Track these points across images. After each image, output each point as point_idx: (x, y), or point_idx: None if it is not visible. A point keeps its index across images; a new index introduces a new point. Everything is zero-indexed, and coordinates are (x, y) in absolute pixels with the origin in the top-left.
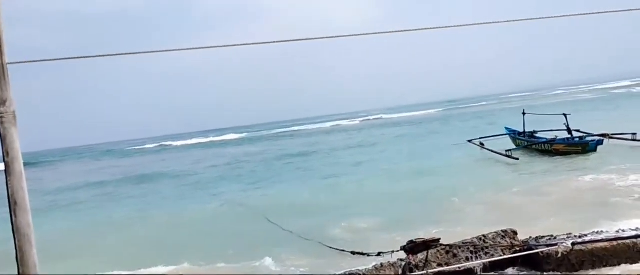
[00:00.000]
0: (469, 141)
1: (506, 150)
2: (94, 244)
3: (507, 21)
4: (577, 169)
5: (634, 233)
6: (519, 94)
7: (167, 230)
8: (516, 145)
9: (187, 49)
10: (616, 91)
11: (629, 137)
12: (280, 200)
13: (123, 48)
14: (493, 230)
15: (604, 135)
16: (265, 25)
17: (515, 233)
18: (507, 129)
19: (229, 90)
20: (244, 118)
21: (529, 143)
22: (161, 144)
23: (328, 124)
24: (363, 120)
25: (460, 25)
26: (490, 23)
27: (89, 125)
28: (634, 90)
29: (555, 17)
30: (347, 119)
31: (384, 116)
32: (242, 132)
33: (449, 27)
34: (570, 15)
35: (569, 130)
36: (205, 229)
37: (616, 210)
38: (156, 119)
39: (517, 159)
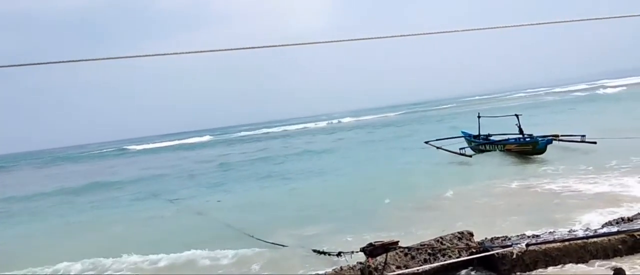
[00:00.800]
0: (427, 142)
1: (460, 148)
2: (42, 250)
3: (490, 28)
4: (528, 169)
5: (584, 234)
6: (480, 97)
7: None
8: (472, 148)
9: (173, 54)
10: (576, 94)
11: (578, 139)
12: (237, 204)
13: (78, 53)
14: (450, 232)
15: (554, 136)
16: (228, 31)
17: (471, 234)
18: (463, 132)
19: (196, 93)
20: (209, 121)
21: (482, 144)
22: (121, 147)
23: (294, 127)
24: (329, 123)
25: (450, 31)
26: (486, 28)
27: (47, 130)
28: (598, 92)
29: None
30: (314, 121)
31: (347, 119)
32: (203, 135)
33: (442, 32)
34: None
35: (521, 131)
36: (156, 237)
37: (567, 210)
38: (117, 122)
39: (471, 156)
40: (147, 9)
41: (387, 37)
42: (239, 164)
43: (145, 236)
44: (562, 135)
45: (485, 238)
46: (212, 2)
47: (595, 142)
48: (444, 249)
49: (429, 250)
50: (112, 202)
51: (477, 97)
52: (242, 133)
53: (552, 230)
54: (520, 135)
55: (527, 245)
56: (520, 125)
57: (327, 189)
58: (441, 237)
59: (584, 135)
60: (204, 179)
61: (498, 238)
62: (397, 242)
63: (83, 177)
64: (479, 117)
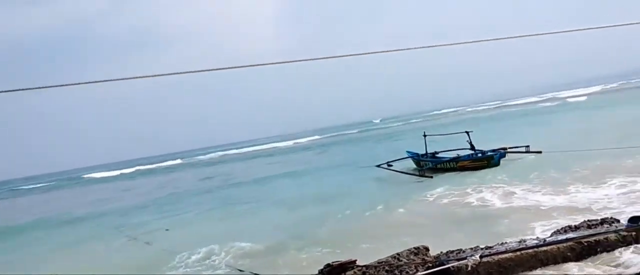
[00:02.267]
0: (378, 166)
1: (418, 170)
2: None
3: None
4: (479, 184)
5: (534, 243)
6: (425, 114)
7: None
8: (421, 167)
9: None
10: (516, 108)
11: (523, 149)
12: (187, 231)
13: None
14: (406, 248)
15: (503, 149)
16: (177, 54)
17: (427, 249)
18: (408, 152)
19: (141, 117)
20: (142, 150)
21: (434, 163)
22: (75, 177)
23: (252, 148)
24: (273, 147)
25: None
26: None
27: None
28: (542, 105)
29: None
30: (254, 145)
31: (284, 144)
32: (132, 166)
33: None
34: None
35: (472, 147)
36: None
37: (517, 221)
38: (68, 151)
39: (431, 177)
40: (87, 35)
41: (338, 56)
42: (190, 190)
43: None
44: (509, 148)
45: (441, 252)
46: (156, 26)
47: (540, 152)
48: (401, 265)
49: (387, 267)
50: (60, 237)
51: (435, 112)
52: (191, 158)
53: (504, 242)
54: (472, 152)
55: (481, 256)
56: (471, 141)
57: (279, 212)
58: (398, 254)
59: (528, 146)
60: (152, 207)
61: (453, 251)
62: (354, 261)
63: (28, 213)
64: (424, 135)
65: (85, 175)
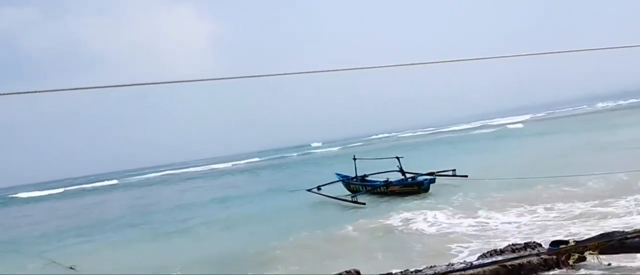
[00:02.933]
0: (309, 190)
1: (351, 196)
2: None
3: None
4: (408, 209)
5: (462, 266)
6: (364, 139)
7: None
8: (351, 191)
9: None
10: (458, 134)
11: (450, 173)
12: (106, 256)
13: None
14: (337, 272)
15: (430, 174)
16: (108, 71)
17: (358, 273)
18: (337, 174)
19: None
20: (77, 169)
21: (364, 187)
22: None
23: (159, 174)
24: (211, 168)
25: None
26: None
27: None
28: (478, 132)
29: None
30: (192, 166)
31: (222, 165)
32: (63, 186)
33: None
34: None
35: (402, 172)
36: None
37: (446, 244)
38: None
39: (364, 204)
40: (13, 52)
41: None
42: (119, 212)
43: None
44: (436, 172)
45: None
46: (85, 45)
47: (466, 176)
48: None
49: None
50: None
51: (373, 137)
52: (128, 179)
53: (432, 265)
54: (403, 177)
55: None
56: (401, 167)
57: (208, 236)
58: None
59: (454, 170)
60: (76, 230)
61: None
62: None
63: None
64: (354, 159)
65: (11, 195)
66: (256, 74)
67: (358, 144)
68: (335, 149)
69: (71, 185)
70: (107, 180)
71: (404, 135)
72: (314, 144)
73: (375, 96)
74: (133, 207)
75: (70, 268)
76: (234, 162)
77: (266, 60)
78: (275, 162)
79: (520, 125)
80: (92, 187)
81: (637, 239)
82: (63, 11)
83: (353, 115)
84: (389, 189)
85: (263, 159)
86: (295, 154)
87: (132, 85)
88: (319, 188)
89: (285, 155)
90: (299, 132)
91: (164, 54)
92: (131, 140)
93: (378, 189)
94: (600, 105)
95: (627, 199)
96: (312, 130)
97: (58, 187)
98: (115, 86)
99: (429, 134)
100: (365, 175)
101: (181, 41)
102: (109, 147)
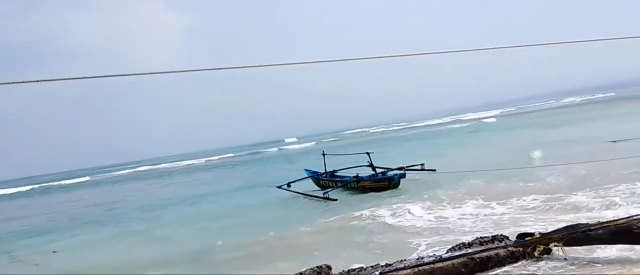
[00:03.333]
0: (279, 187)
1: (324, 192)
2: None
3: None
4: (378, 203)
5: (431, 259)
6: (339, 133)
7: None
8: (321, 187)
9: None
10: (431, 129)
11: (418, 167)
12: (73, 255)
13: None
14: (309, 267)
15: (400, 169)
16: (80, 65)
17: (330, 268)
18: (306, 170)
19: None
20: (48, 166)
21: (334, 182)
22: None
23: (132, 171)
24: (186, 164)
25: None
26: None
27: None
28: (452, 126)
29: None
30: (166, 162)
31: (196, 161)
32: (31, 184)
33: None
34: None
35: (373, 167)
36: None
37: (414, 238)
38: None
39: (336, 199)
40: None
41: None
42: (88, 209)
43: None
44: (405, 167)
45: (343, 270)
46: (54, 39)
47: (434, 170)
48: None
49: None
50: None
51: (347, 132)
52: (100, 175)
53: (402, 259)
54: (373, 172)
55: (381, 274)
56: (371, 162)
57: (176, 234)
58: (301, 272)
59: (423, 164)
60: (42, 228)
61: (355, 269)
62: None
63: None
64: (323, 155)
65: None
66: (231, 66)
67: (332, 139)
68: (310, 144)
69: (39, 183)
70: (77, 177)
71: (376, 130)
72: (288, 140)
73: (349, 92)
74: (101, 205)
75: (36, 266)
76: (208, 158)
77: (239, 52)
78: (249, 157)
79: (493, 120)
80: (59, 184)
81: (600, 231)
82: (31, 4)
83: (327, 110)
84: (359, 184)
85: (237, 154)
86: (269, 150)
87: (101, 77)
88: (289, 185)
89: (259, 150)
90: (274, 127)
91: (135, 47)
92: (104, 137)
93: (348, 185)
94: (567, 100)
95: (587, 192)
96: (287, 125)
97: (25, 185)
98: (84, 78)
99: (402, 128)
100: (335, 171)
101: (152, 33)
102: (82, 144)
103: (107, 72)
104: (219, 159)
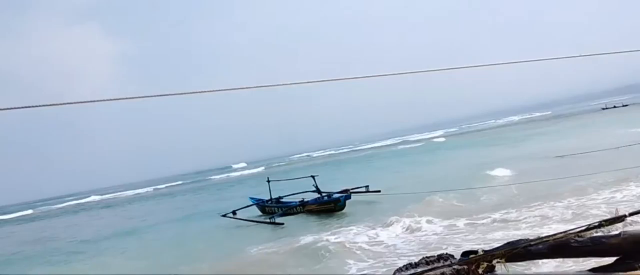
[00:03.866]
0: (223, 216)
1: (269, 218)
2: None
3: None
4: (327, 226)
5: None
6: (288, 158)
7: None
8: (266, 213)
9: None
10: (382, 150)
11: (363, 189)
12: None
13: None
14: None
15: (345, 191)
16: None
17: None
18: (251, 198)
19: None
20: None
21: (279, 208)
22: None
23: (78, 201)
24: (134, 193)
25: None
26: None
27: None
28: (402, 147)
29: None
30: (113, 192)
31: (144, 190)
32: None
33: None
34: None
35: (318, 190)
36: None
37: (352, 260)
38: None
39: (283, 224)
40: None
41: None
42: (24, 246)
43: None
44: (351, 189)
45: None
46: None
47: (379, 191)
48: None
49: None
50: None
51: (295, 156)
52: (43, 208)
53: None
54: (319, 195)
55: None
56: (317, 186)
57: (117, 267)
58: None
59: (367, 186)
60: None
61: None
62: None
63: None
64: (268, 181)
65: None
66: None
67: (281, 163)
68: (259, 169)
69: None
70: (20, 211)
71: (323, 154)
72: (237, 165)
73: (295, 117)
74: (38, 240)
75: None
76: (155, 187)
77: (176, 77)
78: (196, 185)
79: (443, 139)
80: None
81: (540, 246)
82: None
83: (276, 135)
84: (305, 209)
85: (184, 182)
86: (217, 176)
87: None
88: (234, 213)
89: (207, 177)
90: (223, 153)
91: (72, 74)
92: (50, 167)
93: (294, 209)
94: (504, 119)
95: (520, 210)
96: (237, 150)
97: None
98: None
99: (350, 151)
100: (280, 198)
101: (88, 60)
102: (26, 175)
103: (42, 100)
104: (166, 187)
